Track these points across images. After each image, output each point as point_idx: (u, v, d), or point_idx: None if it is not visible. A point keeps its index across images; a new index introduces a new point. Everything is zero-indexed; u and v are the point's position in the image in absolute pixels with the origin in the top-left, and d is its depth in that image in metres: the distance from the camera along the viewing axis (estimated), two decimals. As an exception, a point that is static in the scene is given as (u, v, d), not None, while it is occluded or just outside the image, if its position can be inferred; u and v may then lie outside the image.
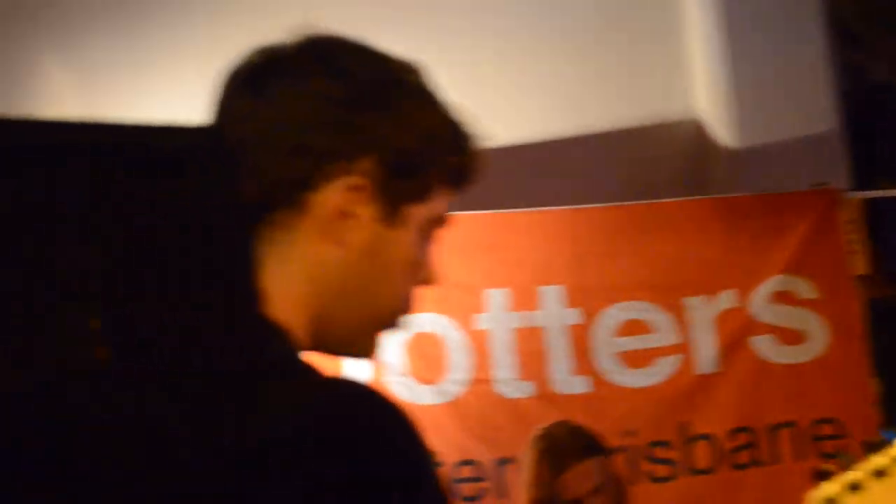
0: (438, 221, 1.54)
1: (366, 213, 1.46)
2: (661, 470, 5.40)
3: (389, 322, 1.52)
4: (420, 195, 1.50)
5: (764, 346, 5.55)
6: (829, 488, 1.61)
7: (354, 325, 1.49)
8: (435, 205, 1.52)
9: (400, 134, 1.47)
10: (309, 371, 1.36)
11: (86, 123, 1.03)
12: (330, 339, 1.48)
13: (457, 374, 5.26)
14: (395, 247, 1.48)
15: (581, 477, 4.01)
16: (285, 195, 1.43)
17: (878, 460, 1.62)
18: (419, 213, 1.50)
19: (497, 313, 5.39)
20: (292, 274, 1.43)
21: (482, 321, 5.37)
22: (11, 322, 1.02)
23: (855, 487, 1.59)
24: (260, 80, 1.49)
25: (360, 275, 1.46)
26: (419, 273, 1.53)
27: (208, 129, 1.12)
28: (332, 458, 1.22)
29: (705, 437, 5.44)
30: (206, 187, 1.07)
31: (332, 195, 1.44)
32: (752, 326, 5.55)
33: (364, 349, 1.53)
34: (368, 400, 1.29)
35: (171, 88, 5.61)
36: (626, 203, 5.62)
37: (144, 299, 1.08)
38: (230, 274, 1.10)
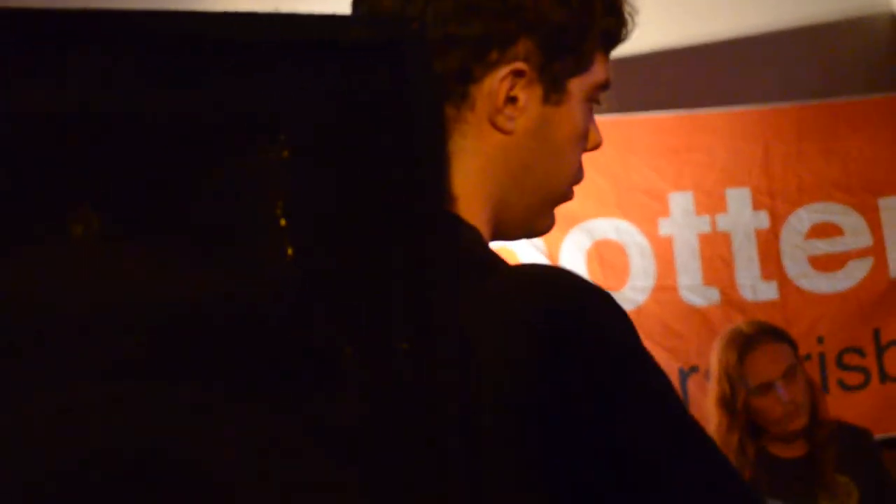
0: (601, 87, 1.53)
1: (531, 96, 1.46)
2: (853, 378, 5.32)
3: (564, 197, 1.54)
4: (581, 68, 1.50)
5: (961, 249, 5.41)
6: None
7: (532, 207, 1.52)
8: (595, 71, 1.52)
9: (553, 10, 1.46)
10: (509, 268, 1.37)
11: (274, 15, 1.03)
12: (509, 225, 1.51)
13: (640, 282, 5.22)
14: (563, 124, 1.49)
15: (768, 358, 3.96)
16: (448, 89, 1.44)
17: None
18: (582, 84, 1.50)
19: (682, 217, 5.33)
20: (468, 169, 1.45)
21: (666, 226, 5.32)
22: (207, 223, 1.03)
23: None
24: None
25: (533, 159, 1.48)
26: (588, 142, 1.54)
27: (400, 19, 1.11)
28: (558, 351, 1.25)
29: (899, 343, 5.35)
30: (395, 80, 1.06)
31: (495, 84, 1.44)
32: (949, 226, 5.41)
33: (542, 228, 1.56)
34: (581, 287, 1.32)
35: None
36: (818, 101, 5.51)
37: (330, 197, 1.08)
38: (423, 171, 1.09)
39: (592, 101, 1.53)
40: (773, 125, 5.42)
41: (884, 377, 5.34)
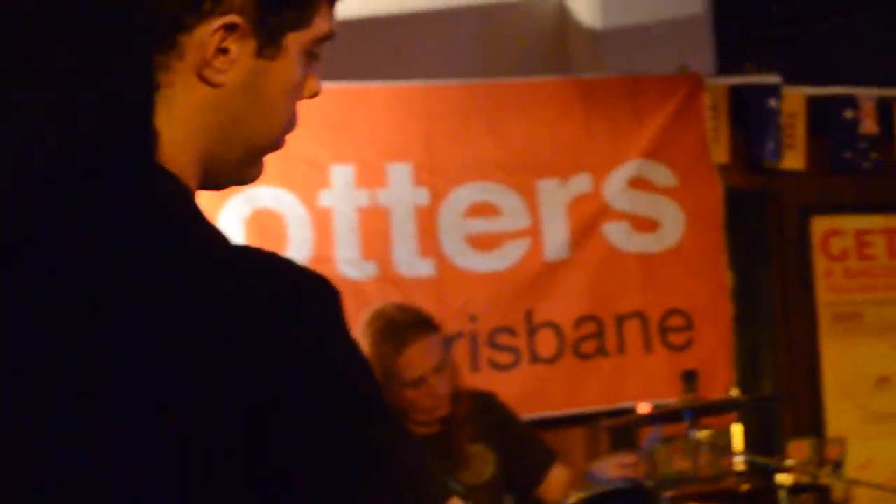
0: (324, 39, 1.56)
1: (243, 49, 1.48)
2: (504, 357, 5.61)
3: (275, 146, 1.57)
4: (301, 22, 1.52)
5: (616, 234, 5.75)
6: None
7: (241, 158, 1.54)
8: (318, 24, 1.54)
9: None
10: (209, 228, 1.42)
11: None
12: (218, 175, 1.54)
13: (297, 252, 5.33)
14: (276, 78, 1.52)
15: (422, 353, 4.14)
16: (158, 37, 1.45)
17: None
18: (301, 37, 1.53)
19: (342, 190, 5.50)
20: (175, 120, 1.47)
21: (327, 198, 5.48)
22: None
23: None
24: None
25: (242, 112, 1.51)
26: (304, 92, 1.57)
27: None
28: (247, 325, 1.30)
29: (550, 325, 5.65)
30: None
31: (206, 36, 1.46)
32: (606, 212, 5.74)
33: (250, 176, 1.59)
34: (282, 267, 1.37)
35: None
36: (482, 81, 5.74)
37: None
38: (129, 118, 1.20)
39: (312, 53, 1.56)
40: (435, 102, 5.62)
41: (534, 358, 5.64)
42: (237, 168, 1.55)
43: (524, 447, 4.39)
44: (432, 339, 4.19)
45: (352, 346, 1.36)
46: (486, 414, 4.34)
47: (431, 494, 1.39)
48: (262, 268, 1.36)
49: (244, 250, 1.38)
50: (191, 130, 1.48)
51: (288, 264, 1.37)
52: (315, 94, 1.58)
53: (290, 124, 1.56)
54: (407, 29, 5.80)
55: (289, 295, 1.34)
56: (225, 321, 1.30)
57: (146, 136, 1.39)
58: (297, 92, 1.55)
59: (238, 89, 1.49)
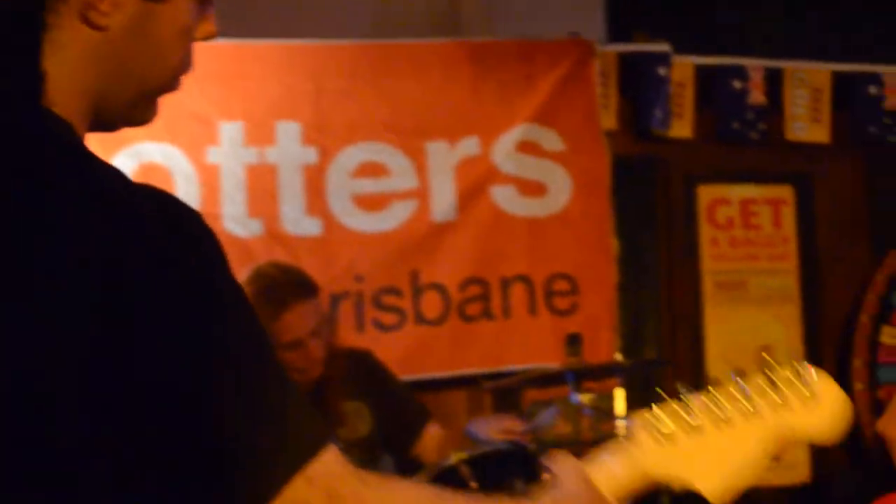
0: None
1: None
2: (389, 318, 5.67)
3: (168, 89, 1.60)
4: None
5: (504, 197, 5.82)
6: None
7: (131, 101, 1.57)
8: None
9: None
10: (101, 163, 1.47)
11: None
12: (109, 117, 1.57)
13: None
14: (165, 20, 1.54)
15: (301, 317, 4.16)
16: None
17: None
18: None
19: (230, 147, 5.53)
20: (62, 63, 1.49)
21: (214, 154, 5.51)
22: None
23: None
24: None
25: (129, 55, 1.53)
26: (197, 34, 1.60)
27: None
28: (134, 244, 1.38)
29: (436, 286, 5.72)
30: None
31: None
32: (494, 176, 5.81)
33: (143, 118, 1.62)
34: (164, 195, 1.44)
35: None
36: (372, 41, 5.79)
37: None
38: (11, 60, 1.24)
39: None
40: (326, 62, 5.67)
41: (419, 319, 5.71)
42: (129, 110, 1.58)
43: (399, 405, 4.45)
44: (311, 303, 4.21)
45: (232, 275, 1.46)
46: (362, 371, 4.39)
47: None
48: (157, 193, 1.44)
49: (138, 183, 1.44)
50: (79, 73, 1.49)
51: (177, 199, 1.45)
52: (210, 37, 1.60)
53: (183, 66, 1.58)
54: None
55: (185, 213, 1.43)
56: (121, 224, 1.37)
57: (34, 78, 1.42)
58: (189, 34, 1.56)
59: (125, 32, 1.51)
